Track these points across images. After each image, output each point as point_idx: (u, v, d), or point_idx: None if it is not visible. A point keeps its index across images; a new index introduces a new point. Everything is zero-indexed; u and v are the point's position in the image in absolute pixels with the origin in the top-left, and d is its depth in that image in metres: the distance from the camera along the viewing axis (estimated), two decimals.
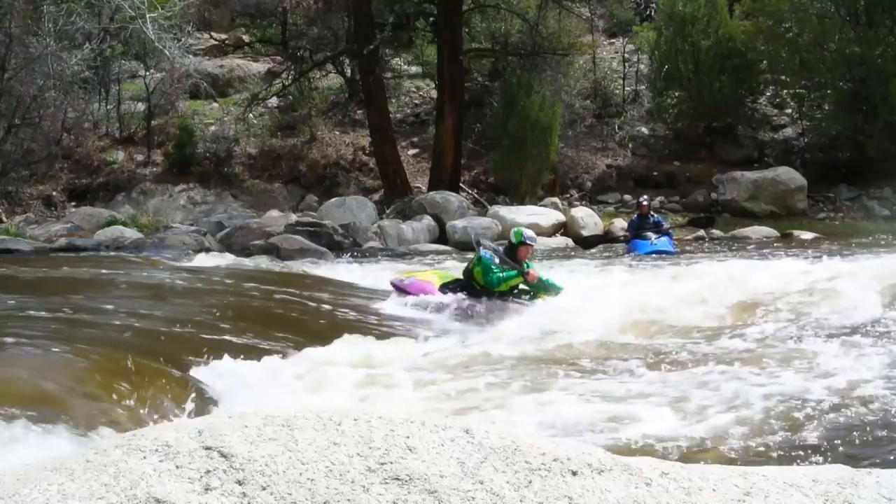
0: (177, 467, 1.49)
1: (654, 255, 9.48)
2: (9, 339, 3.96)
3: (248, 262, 9.05)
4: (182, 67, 15.47)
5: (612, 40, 19.58)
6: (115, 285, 6.57)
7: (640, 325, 4.95)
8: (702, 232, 12.49)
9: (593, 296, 5.84)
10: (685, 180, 15.20)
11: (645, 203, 10.80)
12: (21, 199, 13.94)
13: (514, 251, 6.00)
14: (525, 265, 5.98)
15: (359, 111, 17.20)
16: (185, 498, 1.42)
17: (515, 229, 6.33)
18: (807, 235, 12.06)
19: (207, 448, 1.54)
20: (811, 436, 2.68)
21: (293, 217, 12.92)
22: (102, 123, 16.46)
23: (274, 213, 13.79)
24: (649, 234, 10.16)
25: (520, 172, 14.38)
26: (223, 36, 20.07)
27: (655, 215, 10.89)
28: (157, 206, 14.28)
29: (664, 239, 10.11)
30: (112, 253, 10.12)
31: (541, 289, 6.01)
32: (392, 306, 6.07)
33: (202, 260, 9.16)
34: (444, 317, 5.78)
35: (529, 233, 6.21)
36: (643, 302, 5.45)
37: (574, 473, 1.56)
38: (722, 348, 4.23)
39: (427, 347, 4.77)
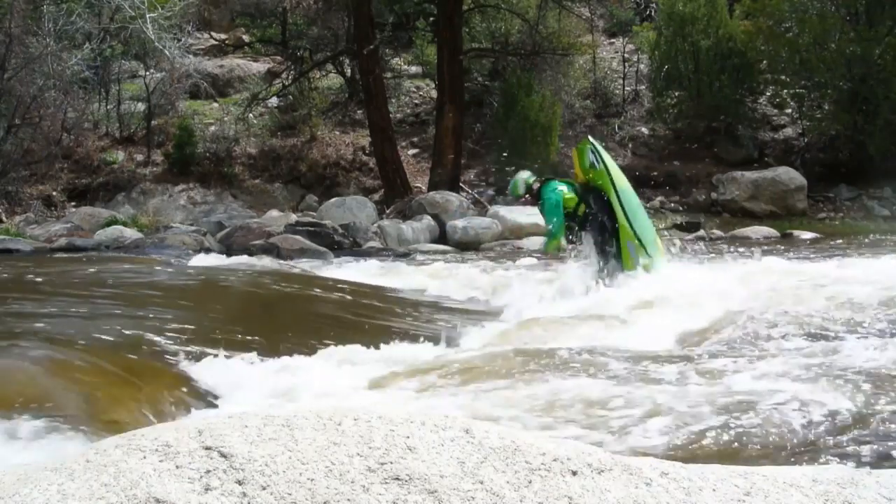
0: (177, 467, 1.49)
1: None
2: (8, 339, 3.96)
3: (247, 262, 9.05)
4: (182, 67, 15.50)
5: (612, 40, 19.59)
6: (115, 285, 6.56)
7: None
8: (702, 232, 12.52)
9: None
10: (685, 180, 15.22)
11: None
12: (21, 199, 13.94)
13: None
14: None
15: (359, 111, 17.21)
16: (185, 498, 1.42)
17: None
18: (807, 235, 12.09)
19: (207, 448, 1.55)
20: (811, 436, 2.67)
21: (293, 217, 12.93)
22: (102, 123, 16.46)
23: (274, 212, 13.80)
24: None
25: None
26: (223, 36, 20.08)
27: None
28: (157, 206, 14.29)
29: None
30: (112, 253, 10.12)
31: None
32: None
33: (202, 260, 9.16)
34: None
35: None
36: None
37: (574, 473, 1.56)
38: (722, 345, 4.22)
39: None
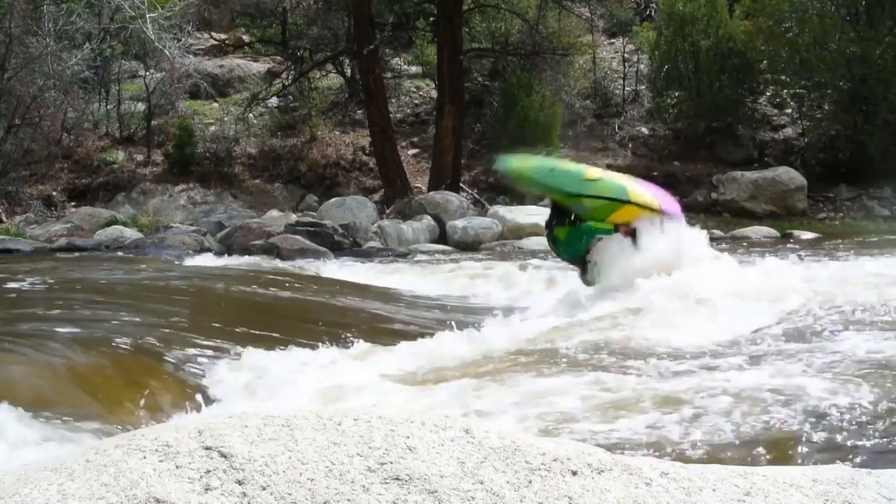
0: (177, 467, 1.49)
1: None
2: (8, 339, 3.96)
3: (248, 262, 9.05)
4: (182, 67, 15.50)
5: (612, 40, 19.58)
6: (115, 285, 6.57)
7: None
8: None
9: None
10: (685, 180, 15.21)
11: None
12: (21, 199, 13.94)
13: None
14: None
15: (359, 111, 17.20)
16: (185, 498, 1.42)
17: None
18: (807, 235, 12.09)
19: (207, 448, 1.55)
20: (811, 436, 2.67)
21: (293, 217, 12.93)
22: (102, 123, 16.45)
23: (274, 213, 13.79)
24: None
25: None
26: (223, 36, 20.07)
27: None
28: (157, 206, 14.28)
29: None
30: (112, 253, 10.12)
31: None
32: None
33: (202, 260, 9.18)
34: None
35: None
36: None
37: (574, 473, 1.56)
38: (721, 344, 4.21)
39: None
